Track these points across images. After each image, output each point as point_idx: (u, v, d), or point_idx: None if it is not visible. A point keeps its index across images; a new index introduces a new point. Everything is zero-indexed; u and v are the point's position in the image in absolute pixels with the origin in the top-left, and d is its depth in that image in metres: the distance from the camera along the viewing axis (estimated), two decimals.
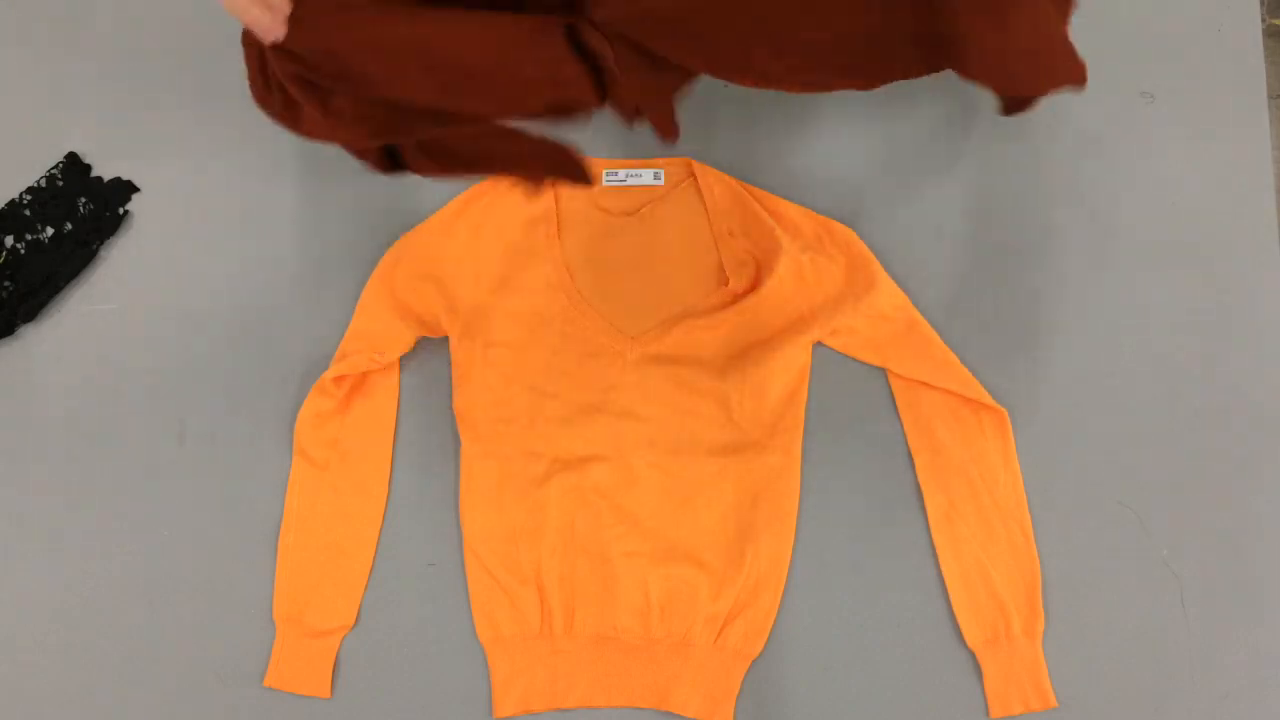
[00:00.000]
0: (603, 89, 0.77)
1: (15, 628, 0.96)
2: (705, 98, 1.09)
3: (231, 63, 1.12)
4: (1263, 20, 1.11)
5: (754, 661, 0.92)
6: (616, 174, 1.04)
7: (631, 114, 0.83)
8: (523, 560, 0.94)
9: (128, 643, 0.95)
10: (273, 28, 0.76)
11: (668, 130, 0.86)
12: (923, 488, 0.95)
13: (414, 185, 1.05)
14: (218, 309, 1.04)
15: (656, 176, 1.03)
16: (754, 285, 0.99)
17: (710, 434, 0.96)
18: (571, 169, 0.79)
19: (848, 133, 1.08)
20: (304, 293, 1.03)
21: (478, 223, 1.03)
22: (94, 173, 1.08)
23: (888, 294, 0.99)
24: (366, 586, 0.95)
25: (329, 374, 0.96)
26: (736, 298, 0.99)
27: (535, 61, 0.74)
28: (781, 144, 1.07)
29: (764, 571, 0.93)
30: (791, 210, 1.02)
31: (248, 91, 1.11)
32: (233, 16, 0.78)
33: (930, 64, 0.81)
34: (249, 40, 0.79)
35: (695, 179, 1.03)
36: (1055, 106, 1.08)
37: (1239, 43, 1.10)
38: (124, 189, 1.08)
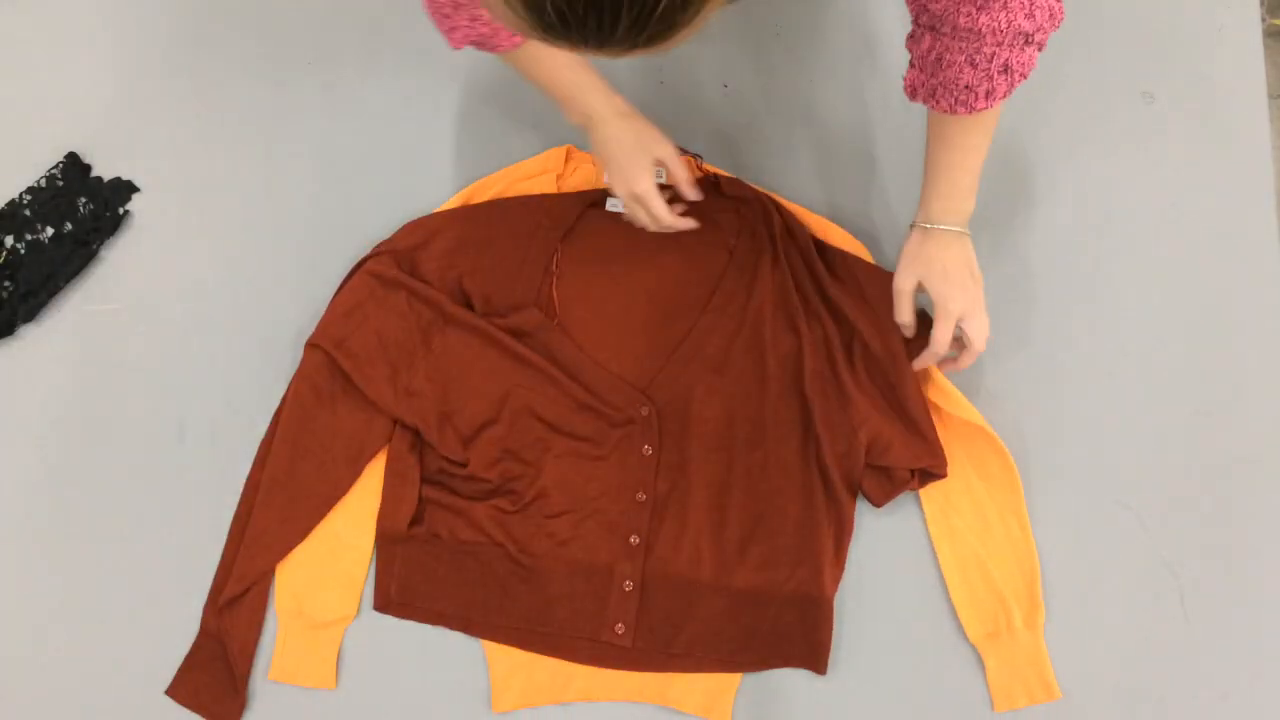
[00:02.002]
0: None
1: (17, 626, 0.96)
2: (706, 97, 1.09)
3: (232, 62, 1.13)
4: (1263, 20, 1.12)
5: None
6: None
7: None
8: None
9: (130, 639, 0.95)
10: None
11: None
12: None
13: (415, 185, 1.06)
14: (217, 309, 1.04)
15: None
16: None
17: None
18: None
19: (848, 134, 1.08)
20: (304, 292, 1.02)
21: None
22: (94, 173, 1.08)
23: None
24: (367, 578, 0.95)
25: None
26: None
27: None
28: (783, 146, 1.07)
29: None
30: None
31: (247, 92, 1.12)
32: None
33: None
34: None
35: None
36: (1056, 106, 1.08)
37: (1239, 43, 1.10)
38: (124, 189, 1.08)
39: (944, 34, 0.80)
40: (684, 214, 0.97)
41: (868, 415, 0.93)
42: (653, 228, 0.96)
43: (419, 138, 1.09)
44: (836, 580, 0.93)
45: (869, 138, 1.07)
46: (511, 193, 1.03)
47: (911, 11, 0.83)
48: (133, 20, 1.15)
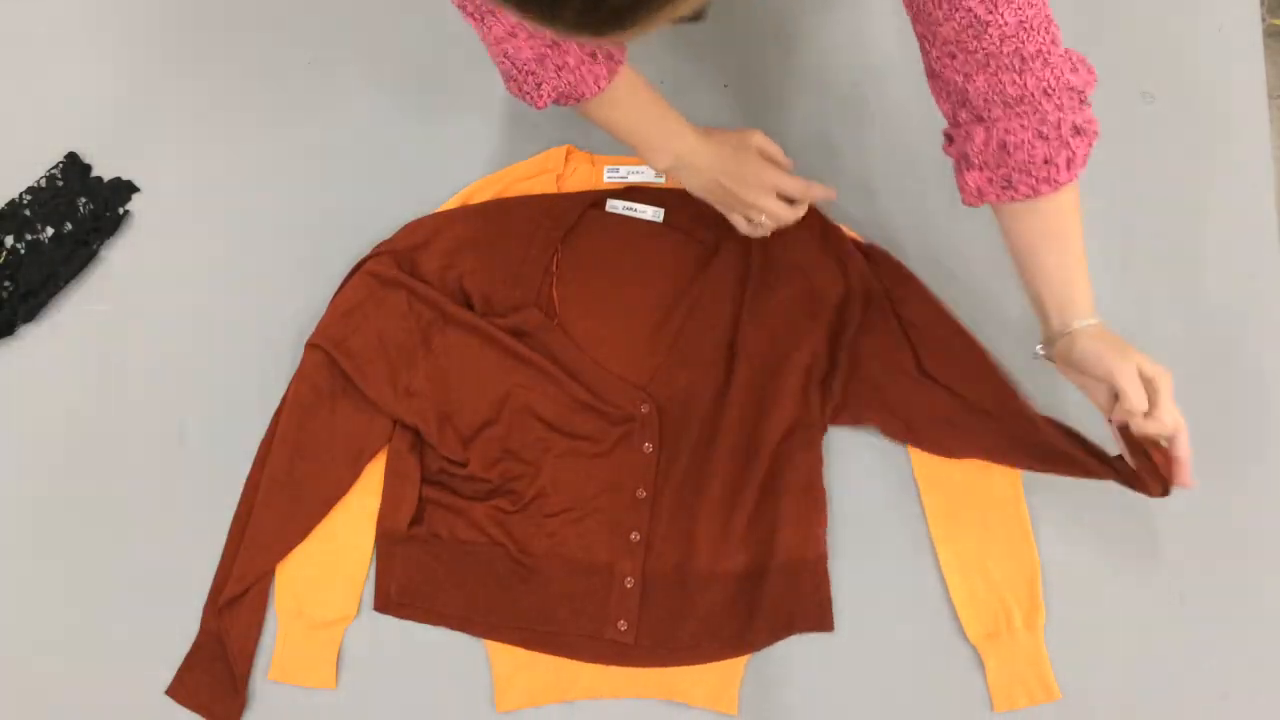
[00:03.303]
0: None
1: (17, 626, 0.96)
2: (706, 98, 1.09)
3: (232, 63, 1.13)
4: (1263, 20, 1.12)
5: (757, 654, 0.92)
6: (618, 170, 1.04)
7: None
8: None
9: (129, 640, 0.95)
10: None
11: None
12: (920, 484, 0.96)
13: (415, 186, 1.06)
14: (217, 309, 1.04)
15: (658, 174, 1.04)
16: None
17: None
18: None
19: (848, 135, 1.08)
20: (304, 292, 1.02)
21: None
22: (94, 173, 1.08)
23: None
24: (367, 578, 0.95)
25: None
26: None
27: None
28: (782, 146, 1.07)
29: None
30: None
31: (247, 92, 1.12)
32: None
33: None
34: None
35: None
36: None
37: (1239, 43, 1.10)
38: (124, 189, 1.08)
39: (996, 117, 0.77)
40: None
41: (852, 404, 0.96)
42: (788, 219, 0.93)
43: (419, 138, 1.09)
44: (823, 538, 0.93)
45: (869, 138, 1.07)
46: (511, 193, 1.03)
47: (947, 113, 0.81)
48: (133, 20, 1.15)
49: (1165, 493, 0.83)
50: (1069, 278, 0.82)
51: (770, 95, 1.10)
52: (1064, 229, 0.81)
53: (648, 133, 0.91)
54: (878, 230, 1.03)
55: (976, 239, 1.03)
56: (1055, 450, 0.89)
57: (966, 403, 0.94)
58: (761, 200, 0.91)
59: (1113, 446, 0.87)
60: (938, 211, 1.05)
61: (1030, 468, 0.93)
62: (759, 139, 0.92)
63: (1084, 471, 0.88)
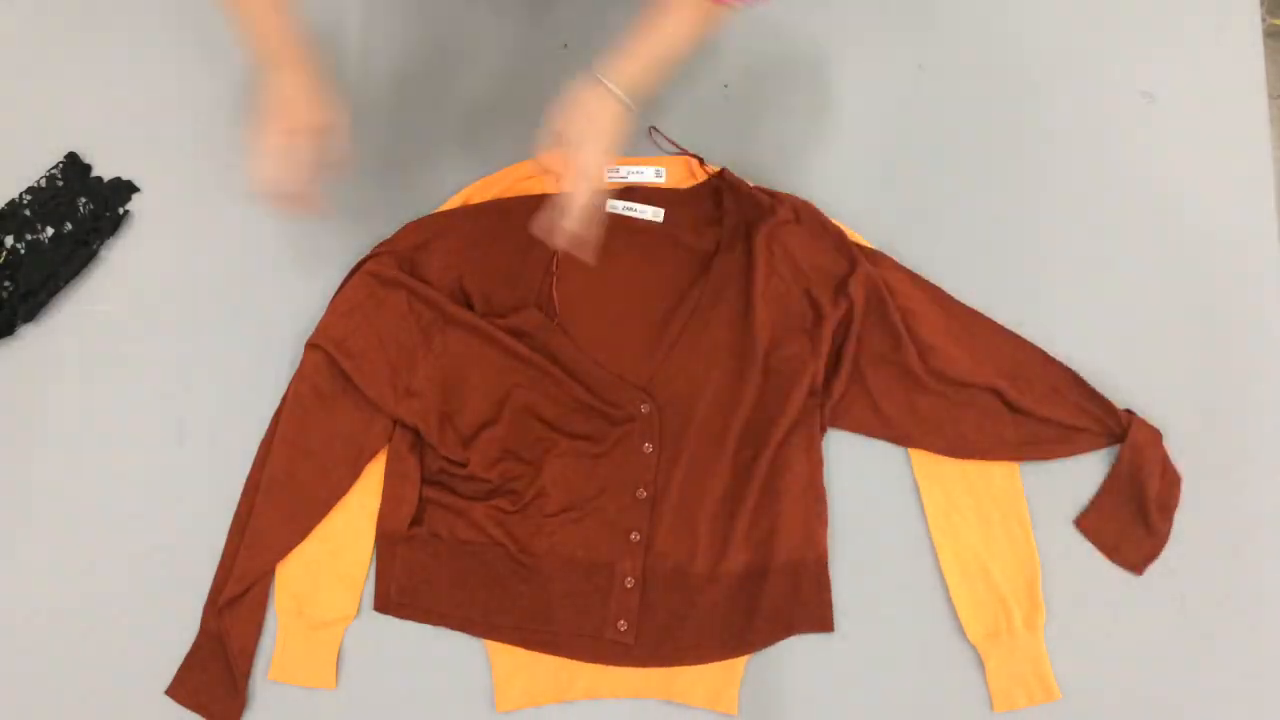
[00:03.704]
0: None
1: (17, 626, 0.96)
2: (707, 97, 1.09)
3: (231, 62, 1.13)
4: (1263, 20, 1.12)
5: (757, 654, 0.92)
6: (618, 170, 1.04)
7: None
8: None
9: (129, 640, 0.95)
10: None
11: None
12: (920, 484, 0.96)
13: (415, 187, 1.06)
14: (217, 309, 1.04)
15: (658, 174, 1.04)
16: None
17: None
18: None
19: (849, 134, 1.08)
20: (304, 292, 1.02)
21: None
22: (94, 173, 1.08)
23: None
24: (367, 578, 0.95)
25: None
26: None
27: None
28: (784, 146, 1.07)
29: None
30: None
31: (247, 93, 1.12)
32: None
33: None
34: None
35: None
36: (1056, 106, 1.08)
37: (1239, 43, 1.10)
38: (124, 189, 1.08)
39: None
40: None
41: (854, 403, 0.97)
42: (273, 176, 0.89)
43: (419, 138, 1.09)
44: (824, 538, 0.94)
45: (870, 137, 1.07)
46: (512, 193, 1.03)
47: None
48: (133, 20, 1.15)
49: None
50: (631, 48, 0.85)
51: (770, 95, 1.10)
52: (662, 27, 0.84)
53: (257, 43, 0.88)
54: (880, 227, 1.03)
55: (977, 237, 1.04)
56: (1060, 425, 0.94)
57: (968, 398, 0.95)
58: (262, 139, 0.87)
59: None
60: (938, 211, 1.05)
61: (1033, 457, 0.95)
62: (323, 118, 0.89)
63: (1088, 444, 0.94)
